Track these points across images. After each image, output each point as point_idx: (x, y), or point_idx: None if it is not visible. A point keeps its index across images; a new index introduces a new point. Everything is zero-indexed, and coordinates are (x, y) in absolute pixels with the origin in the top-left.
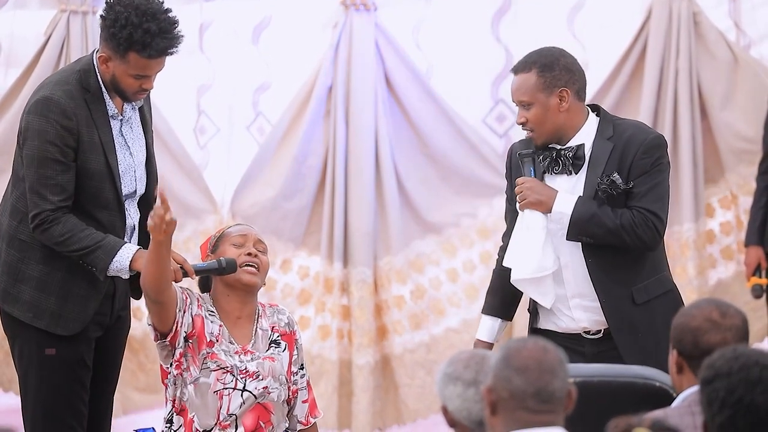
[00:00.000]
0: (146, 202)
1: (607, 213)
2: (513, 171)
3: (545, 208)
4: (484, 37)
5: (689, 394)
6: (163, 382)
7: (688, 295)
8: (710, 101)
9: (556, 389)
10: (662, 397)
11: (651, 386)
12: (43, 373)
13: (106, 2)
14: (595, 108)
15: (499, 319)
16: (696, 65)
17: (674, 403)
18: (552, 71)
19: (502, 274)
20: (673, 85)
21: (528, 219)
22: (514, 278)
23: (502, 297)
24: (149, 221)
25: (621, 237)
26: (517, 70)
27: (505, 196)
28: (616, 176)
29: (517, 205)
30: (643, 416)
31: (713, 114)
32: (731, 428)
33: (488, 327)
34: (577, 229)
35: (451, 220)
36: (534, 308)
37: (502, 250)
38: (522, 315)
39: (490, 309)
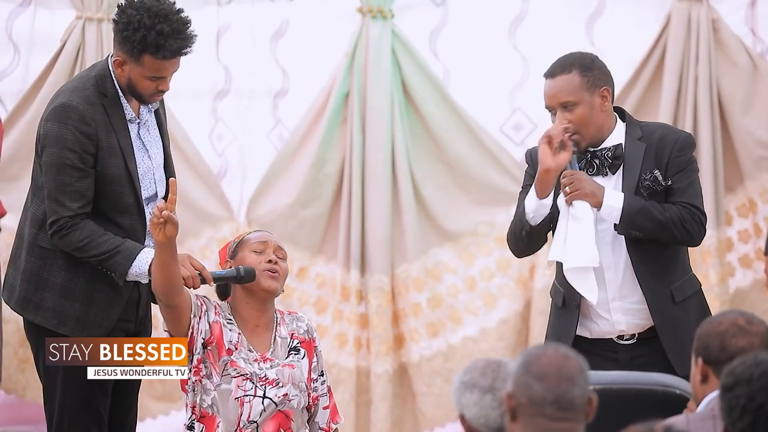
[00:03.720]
0: None
1: (655, 207)
2: (536, 167)
3: (596, 200)
4: (502, 44)
5: (712, 398)
6: (183, 388)
7: (711, 302)
8: (730, 108)
9: (575, 397)
10: (682, 405)
11: (671, 394)
12: (66, 381)
13: (118, 6)
14: (619, 111)
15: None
16: (715, 72)
17: (699, 408)
18: (592, 71)
19: None
20: (692, 92)
21: (577, 211)
22: (568, 267)
23: None
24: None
25: (670, 230)
26: (555, 72)
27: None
28: (657, 173)
29: (561, 198)
30: (656, 423)
31: (733, 121)
32: None
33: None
34: (628, 223)
35: (468, 227)
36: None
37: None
38: (538, 320)
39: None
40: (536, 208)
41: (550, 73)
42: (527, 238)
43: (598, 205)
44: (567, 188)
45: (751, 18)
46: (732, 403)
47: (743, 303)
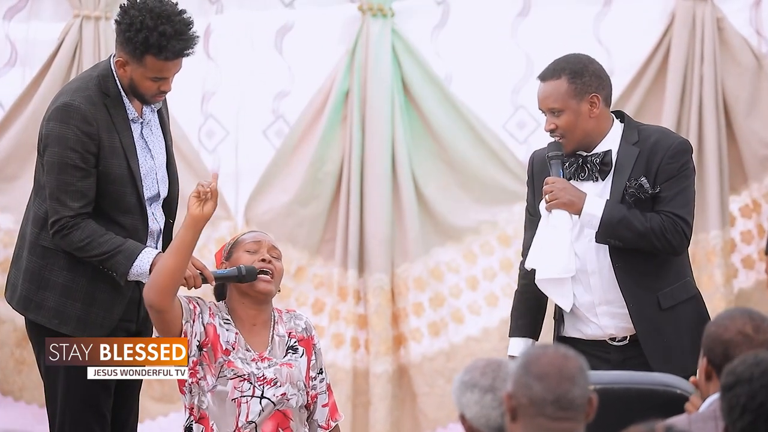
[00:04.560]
0: (169, 205)
1: (636, 216)
2: (535, 179)
3: (575, 209)
4: (504, 42)
5: (714, 399)
6: (180, 390)
7: (716, 303)
8: (734, 108)
9: (575, 397)
10: (683, 405)
11: (672, 393)
12: (69, 381)
13: (121, 7)
14: (619, 114)
15: (530, 339)
16: (720, 72)
17: (701, 408)
18: (582, 77)
19: (526, 295)
20: (698, 92)
21: (555, 219)
22: (539, 278)
23: (531, 318)
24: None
25: (650, 241)
26: (546, 77)
27: (526, 204)
28: (643, 180)
29: (543, 204)
30: (657, 423)
31: (737, 121)
32: None
33: (521, 344)
34: (606, 232)
35: (470, 226)
36: (560, 316)
37: (524, 270)
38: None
39: (519, 330)
40: None
41: (542, 77)
42: None
43: (577, 213)
44: (547, 196)
45: (755, 18)
46: (732, 402)
47: (746, 304)
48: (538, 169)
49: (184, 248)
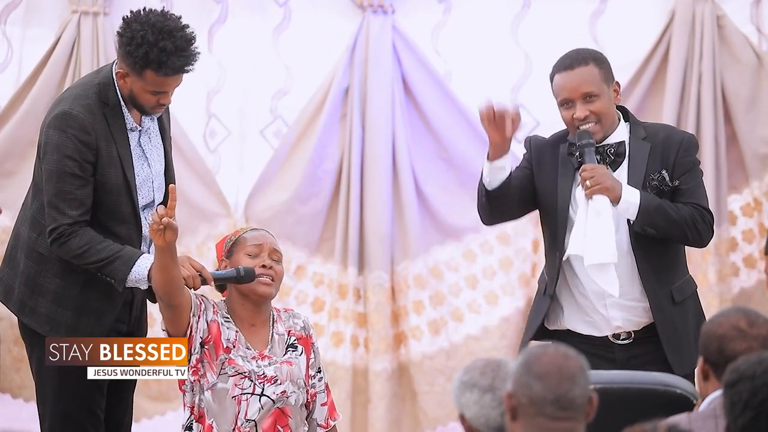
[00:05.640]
0: None
1: (669, 205)
2: (534, 162)
3: (615, 195)
4: (504, 40)
5: (714, 398)
6: (180, 388)
7: (710, 302)
8: (734, 105)
9: (576, 396)
10: (683, 404)
11: (672, 393)
12: (61, 381)
13: (123, 19)
14: (622, 109)
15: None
16: (720, 69)
17: (701, 407)
18: (605, 64)
19: None
20: (696, 89)
21: (598, 205)
22: (591, 263)
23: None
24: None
25: (683, 231)
26: (573, 65)
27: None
28: (665, 173)
29: (580, 191)
30: (658, 423)
31: (738, 118)
32: (753, 430)
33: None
34: (644, 219)
35: (470, 225)
36: (555, 308)
37: None
38: None
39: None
40: (489, 171)
41: (569, 65)
42: (488, 205)
43: (616, 199)
44: (588, 182)
45: (756, 15)
46: (734, 398)
47: (747, 303)
48: (536, 153)
49: (165, 266)
